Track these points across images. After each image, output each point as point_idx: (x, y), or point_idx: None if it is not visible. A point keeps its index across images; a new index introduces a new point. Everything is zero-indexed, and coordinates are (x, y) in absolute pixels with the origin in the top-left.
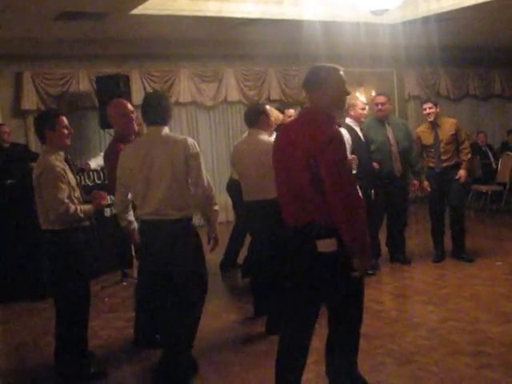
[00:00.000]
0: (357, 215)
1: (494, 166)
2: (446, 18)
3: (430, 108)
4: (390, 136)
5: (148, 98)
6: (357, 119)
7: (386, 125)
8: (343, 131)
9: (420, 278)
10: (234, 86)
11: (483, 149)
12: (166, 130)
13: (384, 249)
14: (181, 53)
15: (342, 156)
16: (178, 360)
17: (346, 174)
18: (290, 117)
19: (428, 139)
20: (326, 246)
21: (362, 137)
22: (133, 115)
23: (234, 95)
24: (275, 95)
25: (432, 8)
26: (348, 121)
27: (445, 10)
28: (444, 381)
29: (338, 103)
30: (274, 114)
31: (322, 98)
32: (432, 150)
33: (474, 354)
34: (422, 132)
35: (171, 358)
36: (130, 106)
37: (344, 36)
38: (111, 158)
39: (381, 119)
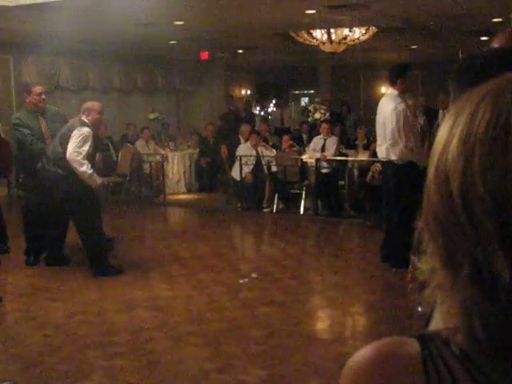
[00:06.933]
0: None
1: (114, 158)
2: (59, 7)
3: None
4: (44, 129)
5: None
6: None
7: (40, 117)
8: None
9: (42, 274)
10: None
11: (104, 141)
12: None
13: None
14: None
15: None
16: None
17: None
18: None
19: None
20: None
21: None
22: None
23: None
24: None
25: None
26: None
27: None
28: (70, 377)
29: None
30: None
31: None
32: None
33: (103, 345)
34: None
35: None
36: None
37: None
38: None
39: (37, 111)
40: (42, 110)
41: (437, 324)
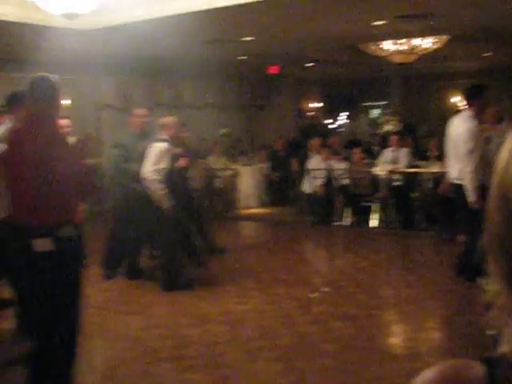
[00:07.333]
0: None
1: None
2: (138, 28)
3: None
4: (141, 150)
5: None
6: (171, 138)
7: (141, 138)
8: (167, 145)
9: (118, 287)
10: None
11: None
12: None
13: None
14: None
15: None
16: None
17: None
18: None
19: None
20: (42, 245)
21: None
22: None
23: None
24: None
25: (125, 17)
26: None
27: (137, 19)
28: None
29: (56, 112)
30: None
31: (44, 107)
32: None
33: (176, 358)
34: None
35: None
36: None
37: (35, 40)
38: None
39: (139, 132)
40: (144, 132)
41: (504, 346)
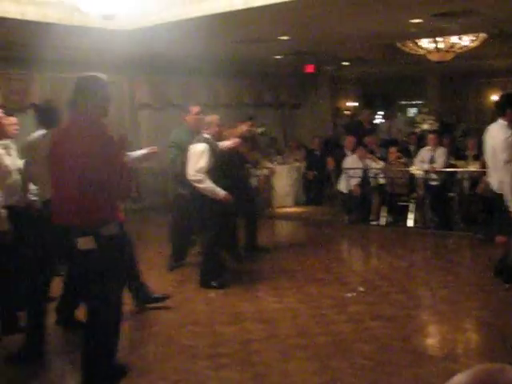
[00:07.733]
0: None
1: None
2: (174, 28)
3: None
4: None
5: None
6: (214, 135)
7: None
8: (204, 145)
9: (154, 284)
10: None
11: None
12: None
13: None
14: None
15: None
16: None
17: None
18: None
19: None
20: (85, 243)
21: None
22: None
23: None
24: None
25: (162, 17)
26: (208, 136)
27: (173, 19)
28: None
29: (105, 111)
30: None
31: (93, 107)
32: None
33: (212, 356)
34: None
35: None
36: None
37: (71, 40)
38: None
39: (194, 130)
40: (199, 130)
41: None
